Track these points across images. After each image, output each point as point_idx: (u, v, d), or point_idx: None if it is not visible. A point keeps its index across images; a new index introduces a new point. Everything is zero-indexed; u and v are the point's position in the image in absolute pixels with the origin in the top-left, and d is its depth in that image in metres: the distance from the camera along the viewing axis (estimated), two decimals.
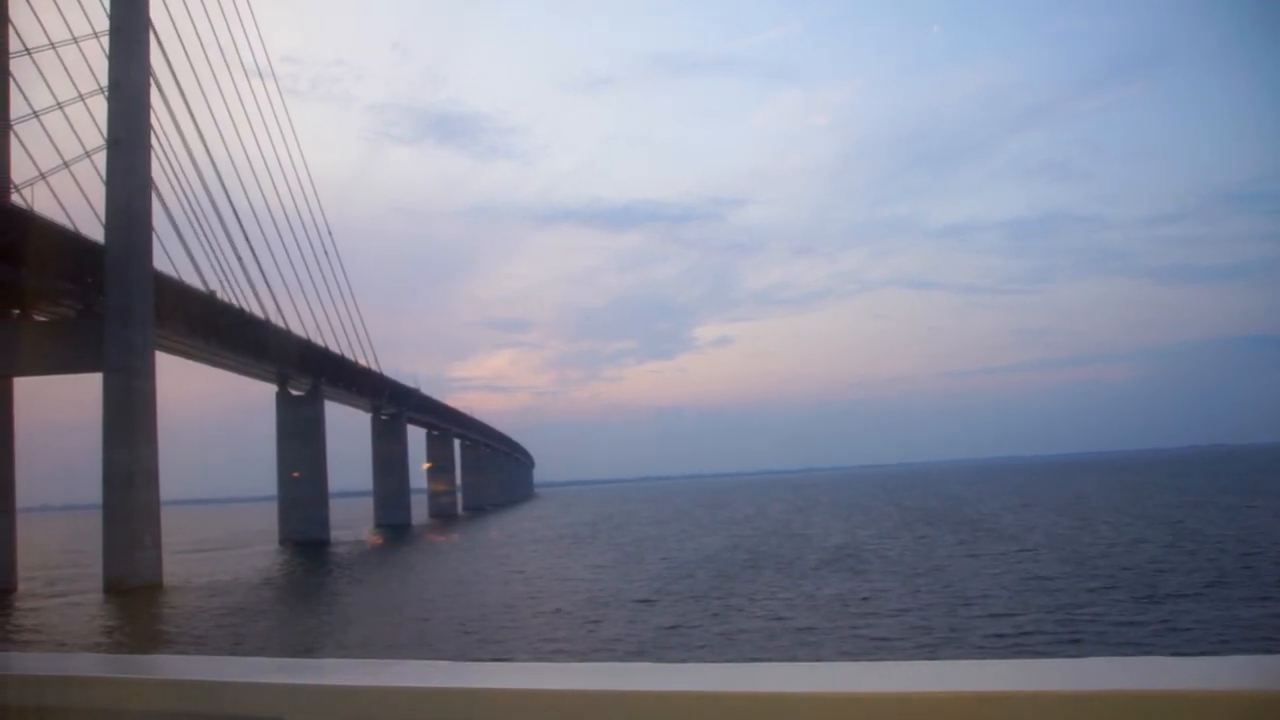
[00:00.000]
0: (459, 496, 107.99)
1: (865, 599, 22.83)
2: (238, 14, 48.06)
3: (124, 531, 34.53)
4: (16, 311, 36.61)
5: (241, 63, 49.79)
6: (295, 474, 59.34)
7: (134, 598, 32.58)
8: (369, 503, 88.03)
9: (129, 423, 34.97)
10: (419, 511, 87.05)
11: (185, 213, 40.76)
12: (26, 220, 32.38)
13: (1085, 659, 1.63)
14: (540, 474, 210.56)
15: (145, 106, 36.97)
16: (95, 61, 37.05)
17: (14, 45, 35.99)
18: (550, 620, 22.61)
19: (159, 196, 37.89)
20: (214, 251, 42.79)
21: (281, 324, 50.98)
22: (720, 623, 20.77)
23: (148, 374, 36.01)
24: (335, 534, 60.01)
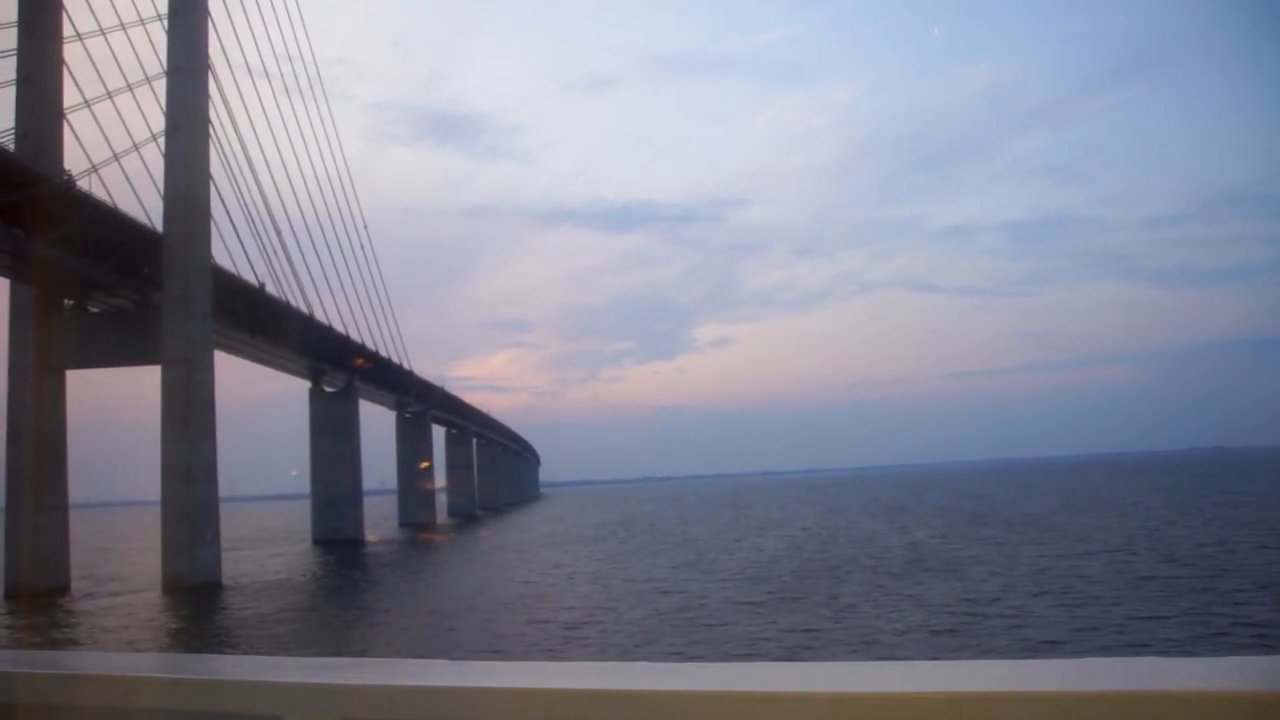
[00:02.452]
0: (475, 495, 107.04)
1: (991, 602, 21.98)
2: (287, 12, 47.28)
3: (183, 528, 33.65)
4: (69, 302, 35.70)
5: (290, 58, 48.99)
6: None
7: (197, 597, 31.63)
8: (381, 501, 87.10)
9: (188, 417, 34.07)
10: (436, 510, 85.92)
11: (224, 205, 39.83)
12: (89, 205, 31.42)
13: (1083, 659, 1.61)
14: (541, 474, 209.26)
15: (204, 91, 36.06)
16: (142, 51, 36.22)
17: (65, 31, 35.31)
18: (669, 622, 21.69)
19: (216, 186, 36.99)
20: (256, 244, 41.86)
21: (324, 319, 50.21)
22: (846, 626, 19.89)
23: (207, 367, 35.12)
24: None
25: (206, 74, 36.40)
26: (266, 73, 45.57)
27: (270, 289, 43.21)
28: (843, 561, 33.13)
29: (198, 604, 30.37)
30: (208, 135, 36.15)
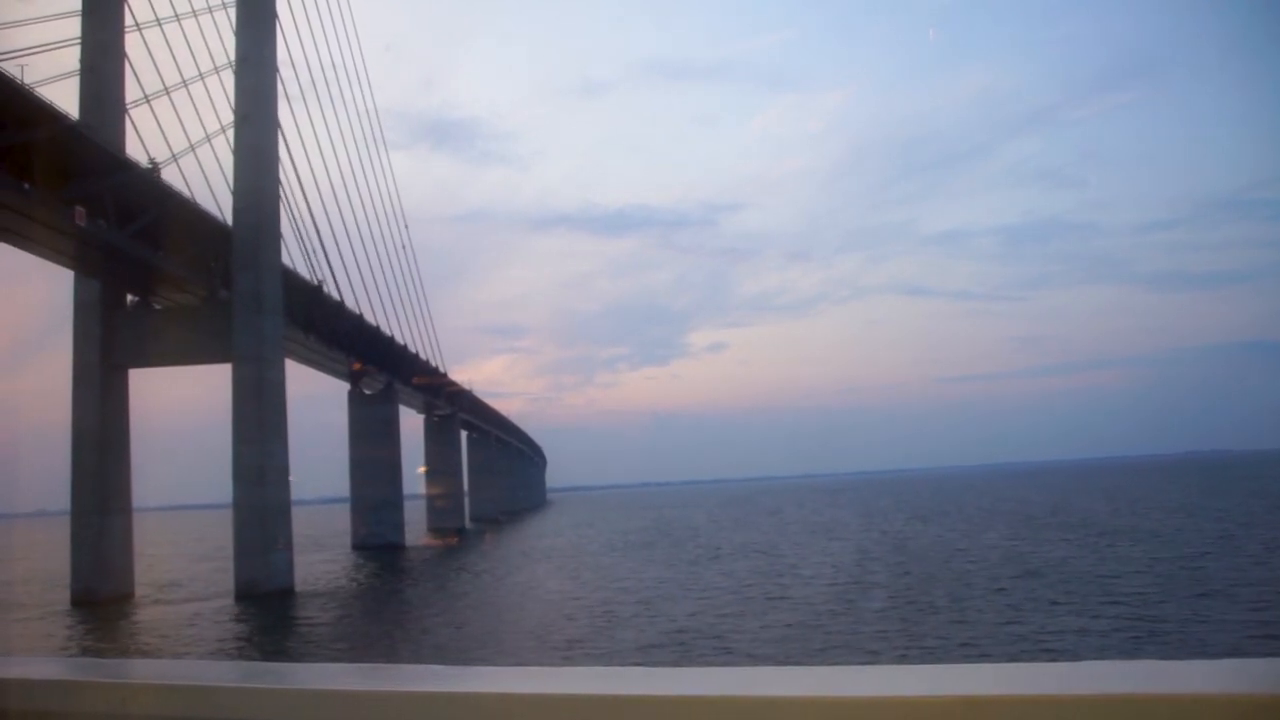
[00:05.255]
0: (498, 500, 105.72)
1: (1156, 604, 20.99)
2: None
3: (257, 532, 32.45)
4: (133, 298, 34.54)
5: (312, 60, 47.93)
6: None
7: (274, 604, 30.47)
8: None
9: (260, 416, 32.92)
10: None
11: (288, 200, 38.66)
12: (168, 197, 30.31)
13: (1078, 662, 1.62)
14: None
15: (274, 82, 35.00)
16: (207, 43, 35.06)
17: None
18: (813, 631, 20.66)
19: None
20: (308, 243, 40.65)
21: (372, 321, 49.18)
22: (1020, 633, 18.92)
23: (279, 365, 34.04)
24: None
25: (275, 64, 35.37)
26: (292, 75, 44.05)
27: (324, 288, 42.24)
28: (934, 567, 32.01)
29: (279, 611, 29.22)
30: (277, 127, 35.08)
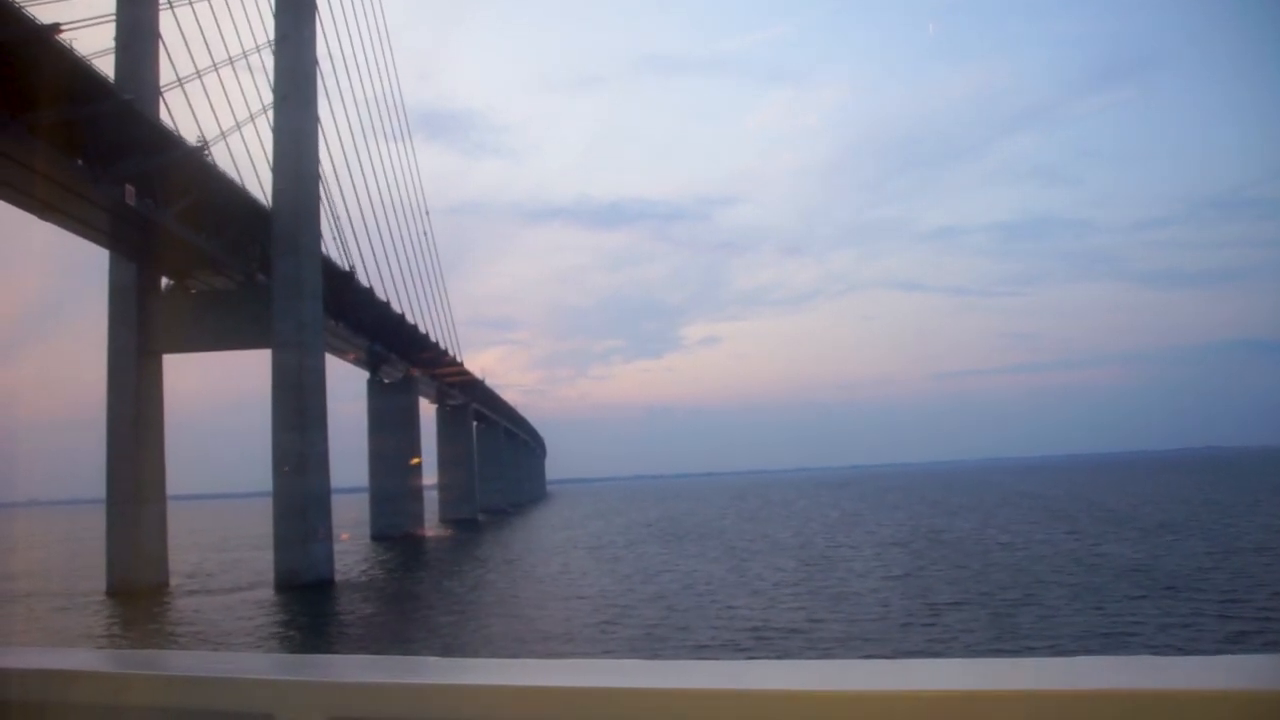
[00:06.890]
0: (506, 491, 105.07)
1: None
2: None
3: (297, 522, 31.72)
4: (169, 282, 33.70)
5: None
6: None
7: (317, 595, 29.76)
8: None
9: (301, 404, 32.15)
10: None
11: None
12: (213, 177, 29.47)
13: (1076, 658, 1.60)
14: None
15: (313, 63, 34.12)
16: (226, 26, 34.01)
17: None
18: (900, 629, 20.11)
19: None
20: (337, 228, 39.79)
21: (397, 308, 48.34)
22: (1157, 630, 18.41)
23: (318, 351, 33.21)
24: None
25: (315, 44, 34.48)
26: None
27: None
28: (989, 562, 31.48)
29: (323, 603, 28.51)
30: (317, 108, 34.23)
